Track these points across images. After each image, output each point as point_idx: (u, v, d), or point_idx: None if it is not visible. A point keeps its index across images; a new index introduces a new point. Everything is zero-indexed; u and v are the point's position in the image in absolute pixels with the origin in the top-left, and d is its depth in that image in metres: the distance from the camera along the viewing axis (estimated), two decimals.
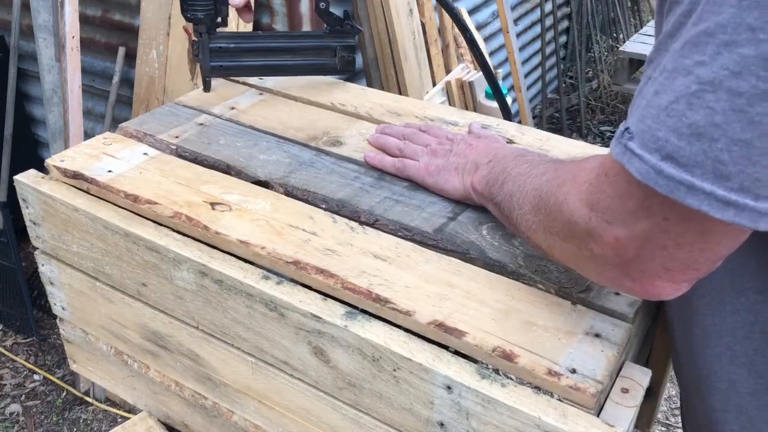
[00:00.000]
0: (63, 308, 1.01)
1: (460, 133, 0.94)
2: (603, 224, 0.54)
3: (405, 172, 0.89)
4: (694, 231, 0.50)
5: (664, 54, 0.49)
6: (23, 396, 2.44)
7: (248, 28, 2.05)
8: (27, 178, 0.91)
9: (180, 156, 0.94)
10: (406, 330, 0.68)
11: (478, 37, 2.94)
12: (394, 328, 0.68)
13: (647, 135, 0.48)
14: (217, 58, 1.04)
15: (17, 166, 1.33)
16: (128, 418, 1.09)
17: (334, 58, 1.07)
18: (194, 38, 1.03)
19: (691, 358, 0.72)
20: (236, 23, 2.01)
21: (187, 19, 1.00)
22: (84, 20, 2.32)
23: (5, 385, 2.48)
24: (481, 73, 2.61)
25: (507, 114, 1.32)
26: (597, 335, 0.66)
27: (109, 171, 0.90)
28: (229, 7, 1.01)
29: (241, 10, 1.01)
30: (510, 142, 0.98)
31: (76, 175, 0.89)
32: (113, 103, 2.47)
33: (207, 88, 1.08)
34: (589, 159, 0.60)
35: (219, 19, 1.02)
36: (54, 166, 0.91)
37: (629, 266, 0.54)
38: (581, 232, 0.56)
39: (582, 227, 0.56)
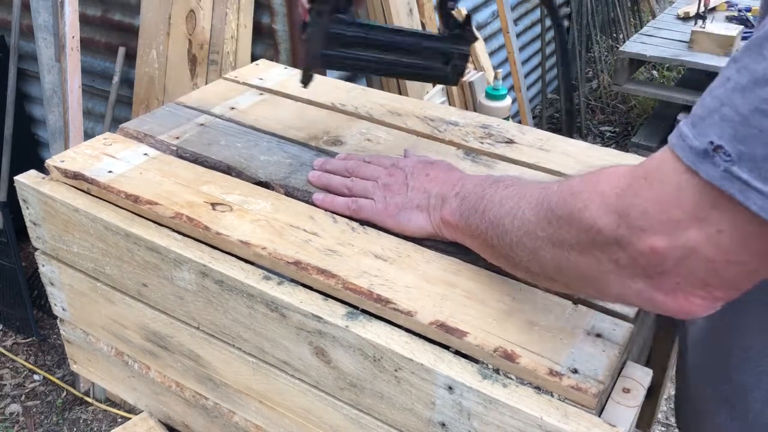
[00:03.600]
0: (63, 309, 1.01)
1: (408, 158, 0.87)
2: (635, 231, 0.49)
3: (361, 214, 0.81)
4: (754, 251, 0.45)
5: None
6: (23, 396, 2.44)
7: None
8: (27, 179, 0.91)
9: (180, 156, 0.94)
10: (408, 330, 0.68)
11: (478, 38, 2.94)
12: (396, 328, 0.68)
13: (762, 163, 0.42)
14: (327, 47, 0.87)
15: (17, 166, 1.33)
16: (128, 419, 1.09)
17: (447, 65, 0.92)
18: (307, 19, 0.85)
19: (724, 378, 0.70)
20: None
21: None
22: (84, 20, 2.33)
23: (5, 385, 2.48)
24: (481, 73, 2.61)
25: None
26: (598, 335, 0.66)
27: (110, 171, 0.90)
28: None
29: None
30: (510, 142, 0.98)
31: (77, 176, 0.89)
32: (113, 103, 2.47)
33: (307, 81, 0.91)
34: (609, 169, 0.56)
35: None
36: (54, 166, 0.91)
37: (663, 278, 0.50)
38: (605, 241, 0.52)
39: (606, 235, 0.52)
